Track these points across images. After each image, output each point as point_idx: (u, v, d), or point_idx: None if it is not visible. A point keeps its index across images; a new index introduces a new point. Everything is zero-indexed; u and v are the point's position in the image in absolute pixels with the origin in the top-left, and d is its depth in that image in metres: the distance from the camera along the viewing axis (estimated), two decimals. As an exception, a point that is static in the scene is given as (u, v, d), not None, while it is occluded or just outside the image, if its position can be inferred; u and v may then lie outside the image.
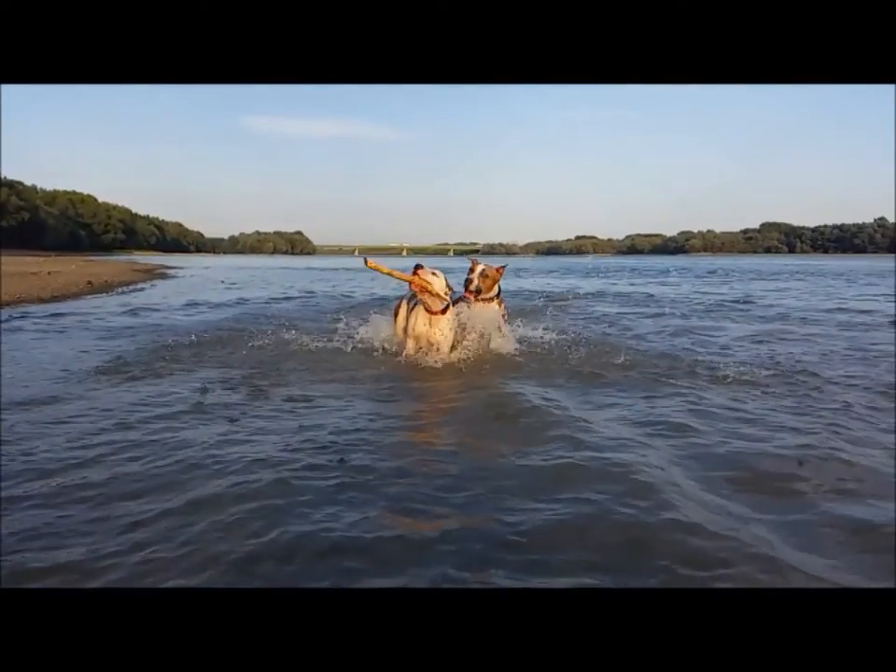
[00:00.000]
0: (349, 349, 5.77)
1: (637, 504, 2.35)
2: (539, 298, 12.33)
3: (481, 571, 1.92)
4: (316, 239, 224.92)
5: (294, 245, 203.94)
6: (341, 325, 6.48)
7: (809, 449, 3.07)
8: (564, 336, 6.02)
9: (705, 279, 24.20)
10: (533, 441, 3.15)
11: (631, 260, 76.30)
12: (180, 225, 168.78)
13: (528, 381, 4.58)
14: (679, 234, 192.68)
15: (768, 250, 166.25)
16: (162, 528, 2.25)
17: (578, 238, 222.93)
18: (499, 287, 5.99)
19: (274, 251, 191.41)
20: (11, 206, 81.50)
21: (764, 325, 8.58)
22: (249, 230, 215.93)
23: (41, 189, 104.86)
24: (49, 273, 19.62)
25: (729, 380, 4.57)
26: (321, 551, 2.08)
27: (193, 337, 6.47)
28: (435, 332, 5.35)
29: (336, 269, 37.02)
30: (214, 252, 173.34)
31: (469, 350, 5.40)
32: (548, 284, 20.47)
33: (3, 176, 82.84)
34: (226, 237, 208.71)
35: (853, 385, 4.53)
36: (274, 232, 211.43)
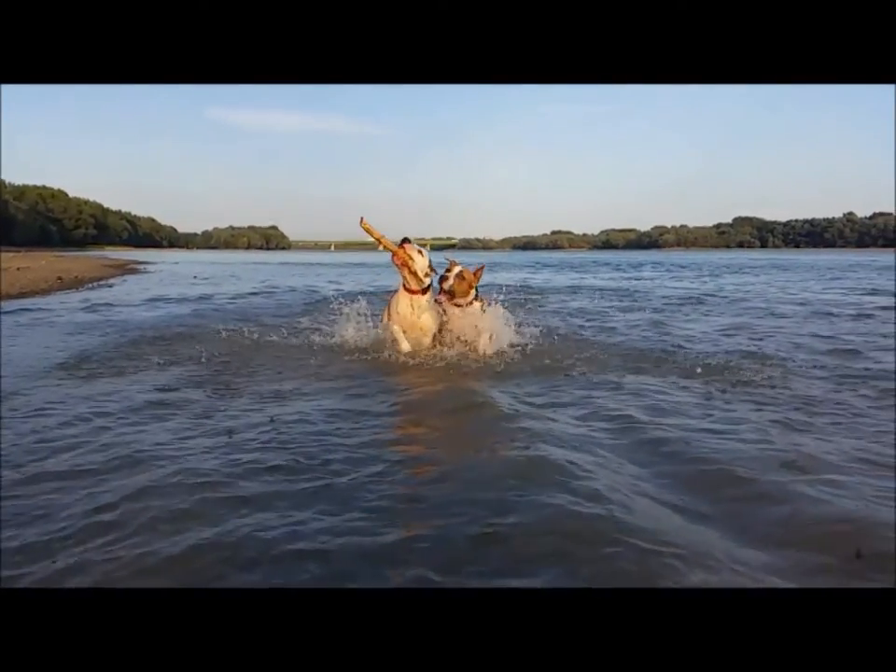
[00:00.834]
0: (315, 345, 5.75)
1: (585, 505, 2.32)
2: (515, 292, 12.34)
3: (450, 574, 1.91)
4: (292, 234, 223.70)
5: (269, 240, 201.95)
6: (304, 320, 6.45)
7: (766, 445, 3.09)
8: (538, 330, 6.00)
9: (674, 274, 24.41)
10: (488, 438, 3.15)
11: (606, 255, 76.53)
12: (153, 220, 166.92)
13: (495, 377, 4.58)
14: (652, 229, 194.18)
15: (741, 245, 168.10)
16: (109, 518, 2.27)
17: (553, 233, 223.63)
18: (476, 290, 5.67)
19: (249, 246, 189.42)
20: (-22, 201, 79.90)
21: (734, 318, 8.72)
22: (223, 224, 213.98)
23: (10, 183, 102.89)
24: (18, 268, 19.22)
25: (699, 371, 4.63)
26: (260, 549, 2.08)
27: (159, 333, 6.46)
28: (420, 315, 5.29)
29: (310, 264, 36.69)
30: (187, 247, 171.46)
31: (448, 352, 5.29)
32: (524, 279, 20.56)
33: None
34: (199, 232, 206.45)
35: (820, 377, 4.62)
36: (249, 227, 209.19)
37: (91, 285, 16.54)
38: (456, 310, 5.48)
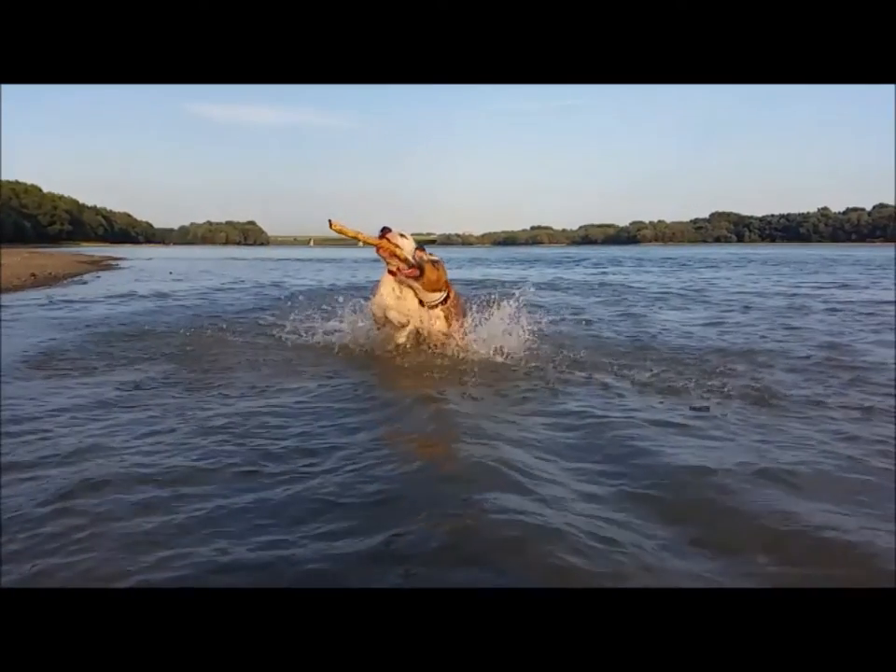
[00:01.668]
0: (289, 343, 5.73)
1: (524, 509, 2.30)
2: (493, 287, 12.37)
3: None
4: (270, 229, 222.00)
5: (247, 235, 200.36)
6: (268, 315, 6.42)
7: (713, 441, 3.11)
8: (514, 327, 5.88)
9: (648, 270, 24.59)
10: (445, 439, 3.15)
11: (585, 250, 76.69)
12: (129, 215, 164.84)
13: (461, 376, 4.51)
14: (631, 224, 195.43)
15: (718, 240, 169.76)
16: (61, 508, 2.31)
17: (533, 228, 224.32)
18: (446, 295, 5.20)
19: (227, 242, 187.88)
20: (-51, 198, 78.45)
21: (705, 312, 8.85)
22: (200, 220, 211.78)
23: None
24: (-11, 265, 18.96)
25: (660, 368, 4.61)
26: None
27: (129, 330, 6.45)
28: (406, 297, 5.11)
29: (286, 259, 36.45)
30: (164, 243, 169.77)
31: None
32: (503, 274, 20.65)
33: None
34: (176, 227, 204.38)
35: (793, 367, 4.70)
36: (226, 223, 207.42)
37: (65, 281, 16.33)
38: (423, 309, 5.18)
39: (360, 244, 5.20)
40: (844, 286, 14.09)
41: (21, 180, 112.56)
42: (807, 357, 5.18)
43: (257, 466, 2.76)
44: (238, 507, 2.35)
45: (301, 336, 5.80)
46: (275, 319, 6.56)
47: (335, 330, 5.77)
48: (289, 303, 6.31)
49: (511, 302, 5.27)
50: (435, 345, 5.13)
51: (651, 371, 4.54)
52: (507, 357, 4.87)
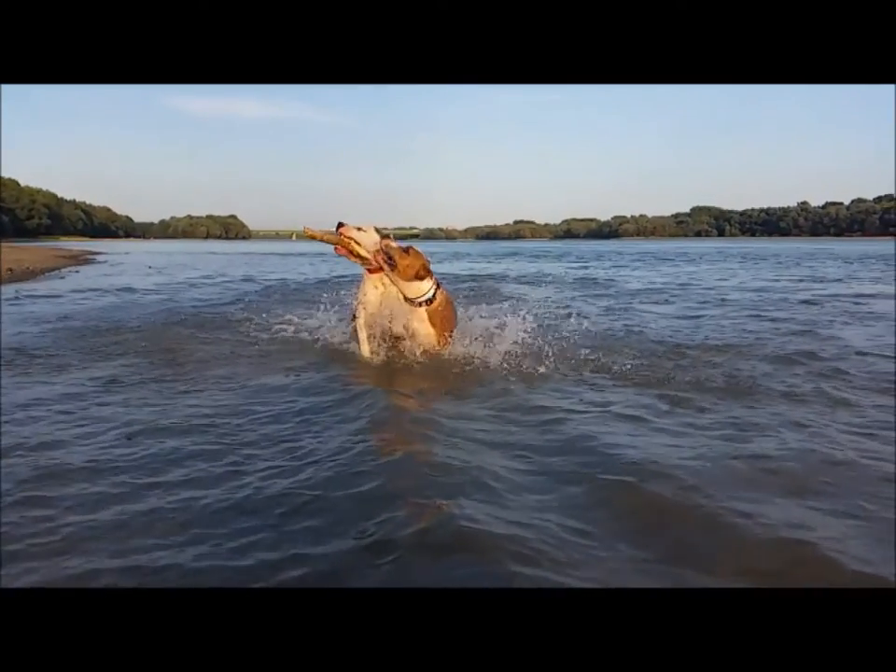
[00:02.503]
0: (264, 337, 5.71)
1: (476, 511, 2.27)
2: (473, 281, 12.43)
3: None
4: (252, 223, 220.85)
5: (228, 229, 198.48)
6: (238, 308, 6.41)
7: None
8: (493, 321, 5.81)
9: (627, 265, 24.76)
10: (415, 437, 3.17)
11: (567, 245, 76.93)
12: (108, 209, 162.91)
13: (434, 375, 4.47)
14: (612, 219, 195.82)
15: (698, 234, 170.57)
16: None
17: (516, 223, 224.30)
18: (433, 293, 4.77)
19: (208, 236, 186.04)
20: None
21: (678, 305, 8.99)
22: (181, 213, 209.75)
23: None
24: (-34, 260, 18.67)
25: (638, 361, 4.63)
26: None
27: (103, 324, 6.42)
28: (391, 293, 4.86)
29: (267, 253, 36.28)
30: (144, 237, 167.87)
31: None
32: (485, 268, 20.70)
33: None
34: (156, 221, 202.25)
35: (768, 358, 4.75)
36: (207, 216, 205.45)
37: (42, 276, 16.14)
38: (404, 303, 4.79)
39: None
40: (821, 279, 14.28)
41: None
42: (782, 349, 5.25)
43: (232, 459, 2.76)
44: (211, 501, 2.35)
45: (278, 331, 5.79)
46: (248, 314, 6.53)
47: (314, 328, 5.75)
48: (265, 298, 6.27)
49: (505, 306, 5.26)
50: (415, 353, 4.74)
51: (628, 364, 4.54)
52: (486, 350, 4.77)
